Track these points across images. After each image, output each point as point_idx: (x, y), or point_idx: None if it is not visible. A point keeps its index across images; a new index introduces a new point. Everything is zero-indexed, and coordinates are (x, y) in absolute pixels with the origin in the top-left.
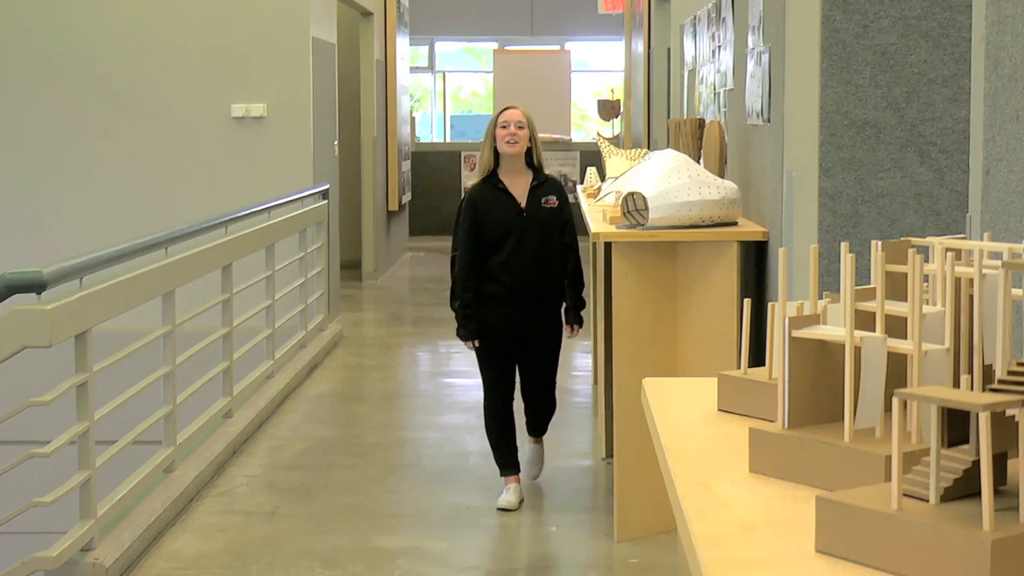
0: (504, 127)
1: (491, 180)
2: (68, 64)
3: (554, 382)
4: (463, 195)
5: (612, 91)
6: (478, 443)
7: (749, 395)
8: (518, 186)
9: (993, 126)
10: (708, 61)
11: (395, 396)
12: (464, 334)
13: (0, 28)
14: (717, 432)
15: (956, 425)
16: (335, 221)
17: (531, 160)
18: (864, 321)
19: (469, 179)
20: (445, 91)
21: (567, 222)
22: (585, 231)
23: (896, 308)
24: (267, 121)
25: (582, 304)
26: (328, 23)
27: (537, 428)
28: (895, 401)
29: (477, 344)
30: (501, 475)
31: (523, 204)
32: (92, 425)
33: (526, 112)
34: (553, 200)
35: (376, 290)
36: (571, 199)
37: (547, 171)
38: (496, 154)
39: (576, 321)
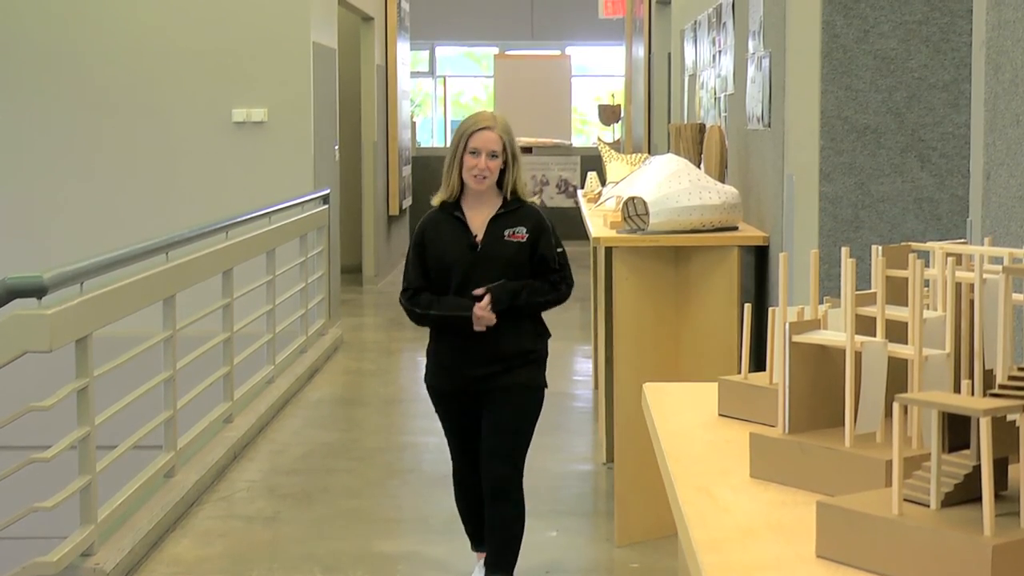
0: (474, 155)
1: (449, 207)
2: (69, 69)
3: (519, 462)
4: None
5: (612, 96)
6: None
7: (750, 400)
8: (479, 215)
9: (993, 131)
10: (708, 66)
11: (395, 400)
12: (461, 304)
13: (0, 32)
14: (718, 437)
15: (957, 430)
16: (335, 226)
17: (508, 185)
18: (865, 326)
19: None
20: (446, 96)
21: (544, 257)
22: (586, 236)
23: (897, 313)
24: (268, 126)
25: (510, 298)
26: (329, 28)
27: (498, 559)
28: (896, 406)
29: (482, 294)
30: (473, 548)
31: (478, 236)
32: (93, 430)
33: (504, 131)
34: (521, 233)
35: (376, 295)
36: (572, 204)
37: (530, 196)
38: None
39: (498, 294)
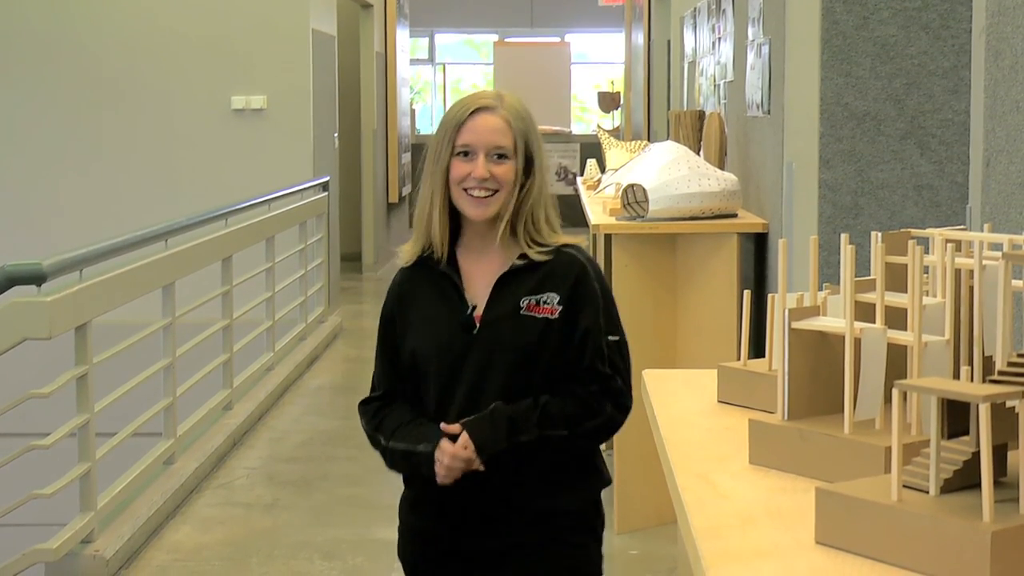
0: (466, 157)
1: (431, 259)
2: (68, 56)
3: None
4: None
5: (612, 83)
6: None
7: (749, 387)
8: (481, 271)
9: (993, 117)
10: (708, 53)
11: None
12: (423, 459)
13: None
14: (717, 424)
15: (956, 416)
16: (335, 213)
17: (525, 217)
18: (864, 312)
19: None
20: (445, 83)
21: (583, 346)
22: (585, 223)
23: (896, 299)
24: (267, 113)
25: (509, 434)
26: (328, 15)
27: None
28: (895, 392)
29: (455, 432)
30: None
31: (479, 309)
32: (92, 417)
33: (515, 116)
34: (549, 305)
35: (376, 282)
36: (571, 191)
37: (557, 236)
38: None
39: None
